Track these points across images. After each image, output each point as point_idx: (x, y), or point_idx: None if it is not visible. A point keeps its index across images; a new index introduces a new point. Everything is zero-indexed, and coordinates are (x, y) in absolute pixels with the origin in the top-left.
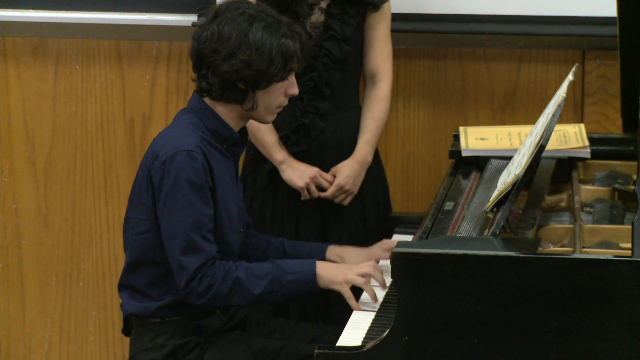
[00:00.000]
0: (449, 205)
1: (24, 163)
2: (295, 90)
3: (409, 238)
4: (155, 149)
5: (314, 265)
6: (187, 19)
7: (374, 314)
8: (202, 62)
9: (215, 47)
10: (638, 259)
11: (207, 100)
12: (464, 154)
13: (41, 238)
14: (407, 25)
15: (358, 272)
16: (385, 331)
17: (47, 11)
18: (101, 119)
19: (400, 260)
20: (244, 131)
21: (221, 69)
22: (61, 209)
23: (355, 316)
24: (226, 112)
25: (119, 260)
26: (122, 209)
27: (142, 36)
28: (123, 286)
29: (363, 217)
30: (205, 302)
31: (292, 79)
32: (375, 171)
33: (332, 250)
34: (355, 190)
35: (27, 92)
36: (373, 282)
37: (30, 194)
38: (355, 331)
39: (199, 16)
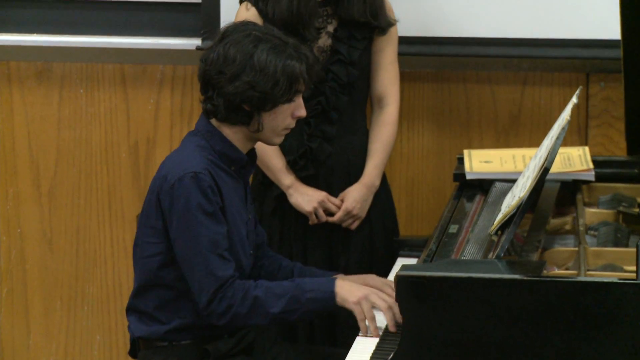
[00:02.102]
0: (453, 228)
1: (29, 187)
2: (302, 112)
3: (413, 261)
4: (163, 172)
5: (333, 282)
6: (192, 43)
7: (379, 337)
8: (208, 84)
9: (220, 68)
10: None
11: (214, 122)
12: (468, 177)
13: (46, 262)
14: (411, 48)
15: (374, 300)
16: (389, 354)
17: (52, 35)
18: (105, 143)
19: (404, 283)
20: (252, 153)
21: (226, 90)
22: (66, 233)
23: (360, 339)
24: (232, 134)
25: (124, 284)
26: (127, 232)
27: (147, 60)
28: (131, 310)
29: (370, 241)
30: (226, 322)
31: (299, 100)
32: (382, 195)
33: (339, 283)
34: (363, 214)
35: (32, 116)
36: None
37: (34, 218)
38: (359, 355)
39: (203, 40)
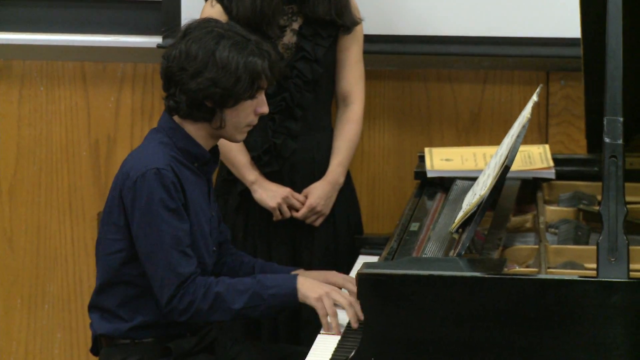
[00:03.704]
0: (414, 226)
1: None
2: (265, 109)
3: (374, 259)
4: (126, 169)
5: (295, 279)
6: (152, 41)
7: (340, 334)
8: (170, 81)
9: (182, 65)
10: (603, 280)
11: (176, 119)
12: (429, 174)
13: (6, 260)
14: (372, 47)
15: (335, 297)
16: (351, 353)
17: (11, 33)
18: (66, 141)
19: (366, 281)
20: (215, 150)
21: (188, 87)
22: (26, 231)
23: (321, 338)
24: (195, 131)
25: (85, 282)
26: (87, 230)
27: (107, 58)
28: (94, 307)
29: (334, 238)
30: (187, 318)
31: (262, 97)
32: (347, 192)
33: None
34: (327, 211)
35: None
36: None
37: None
38: (321, 353)
39: (164, 38)
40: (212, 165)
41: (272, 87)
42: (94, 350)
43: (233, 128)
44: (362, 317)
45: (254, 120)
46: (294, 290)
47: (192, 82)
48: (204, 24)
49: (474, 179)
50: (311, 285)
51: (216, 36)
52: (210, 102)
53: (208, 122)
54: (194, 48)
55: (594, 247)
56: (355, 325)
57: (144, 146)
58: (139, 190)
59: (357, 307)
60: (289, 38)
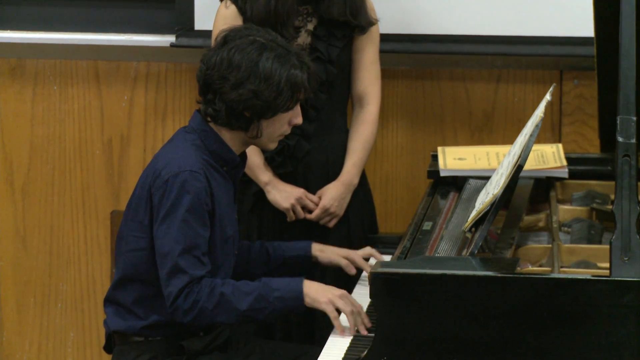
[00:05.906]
0: (427, 225)
1: (2, 184)
2: (299, 120)
3: (387, 258)
4: (157, 167)
5: (301, 283)
6: (166, 40)
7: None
8: (209, 88)
9: (223, 74)
10: (616, 279)
11: (211, 123)
12: (442, 174)
13: (19, 259)
14: (385, 46)
15: (339, 303)
16: (364, 352)
17: (25, 32)
18: (79, 140)
19: (379, 280)
20: (244, 154)
21: (229, 96)
22: (39, 230)
23: (334, 336)
24: (230, 138)
25: (98, 281)
26: (100, 229)
27: (120, 57)
28: (109, 301)
29: (348, 240)
30: (191, 319)
31: (297, 108)
32: (361, 194)
33: (316, 246)
34: (341, 212)
35: (5, 113)
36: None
37: (8, 215)
38: (334, 351)
39: (177, 37)
40: (240, 169)
41: (307, 97)
42: (107, 348)
43: (267, 138)
44: (368, 325)
45: (288, 130)
46: (300, 294)
47: (233, 92)
48: (245, 32)
49: (487, 178)
50: (319, 289)
51: (259, 47)
52: (249, 112)
53: (244, 131)
54: (236, 57)
55: (607, 247)
56: (352, 332)
57: (175, 146)
58: (169, 189)
59: (362, 314)
60: (303, 39)
